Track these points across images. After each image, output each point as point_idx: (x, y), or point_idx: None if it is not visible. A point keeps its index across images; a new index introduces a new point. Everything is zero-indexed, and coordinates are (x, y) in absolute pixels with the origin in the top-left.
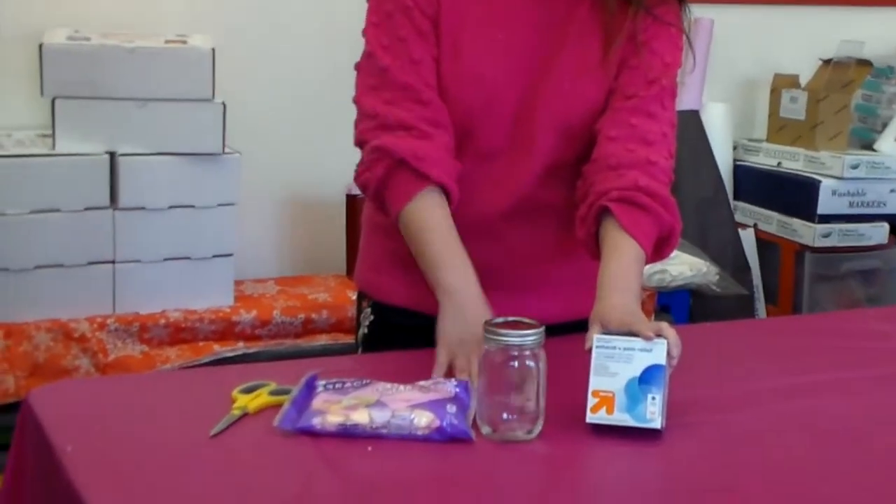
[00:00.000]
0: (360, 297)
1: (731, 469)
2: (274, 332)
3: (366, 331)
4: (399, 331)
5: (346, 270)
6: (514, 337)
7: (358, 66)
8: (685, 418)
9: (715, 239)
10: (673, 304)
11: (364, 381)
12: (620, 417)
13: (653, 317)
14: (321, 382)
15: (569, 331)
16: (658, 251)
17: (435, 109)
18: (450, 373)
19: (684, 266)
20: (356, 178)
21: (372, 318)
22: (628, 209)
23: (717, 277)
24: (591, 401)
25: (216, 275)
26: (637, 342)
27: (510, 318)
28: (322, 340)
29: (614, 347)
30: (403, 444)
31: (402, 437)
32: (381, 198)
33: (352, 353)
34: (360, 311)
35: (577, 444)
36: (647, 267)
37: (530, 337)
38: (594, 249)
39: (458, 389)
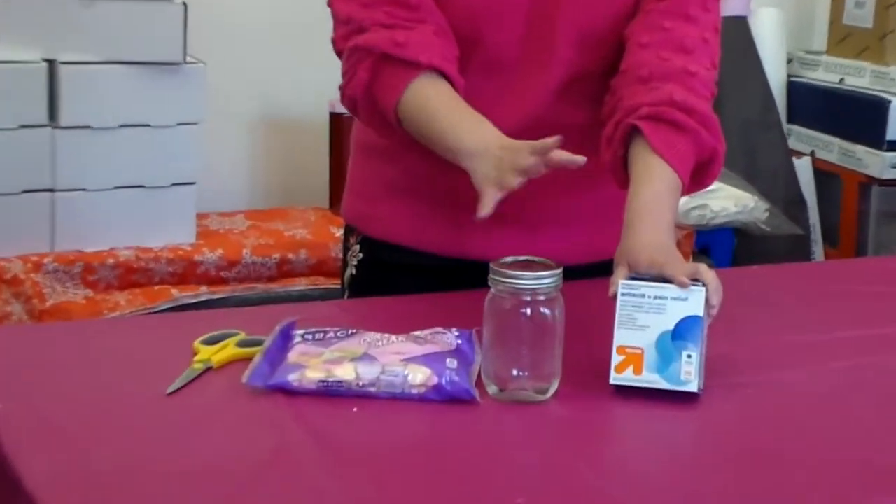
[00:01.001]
0: (348, 231)
1: (779, 438)
2: (243, 274)
3: (353, 272)
4: (393, 271)
5: (329, 202)
6: (527, 279)
7: None
8: (726, 378)
9: (764, 168)
10: (714, 246)
11: (349, 331)
12: (650, 378)
13: (690, 260)
14: (299, 332)
15: (591, 273)
16: (697, 179)
17: (425, 12)
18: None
19: (728, 200)
20: (342, 98)
21: (361, 256)
22: (662, 128)
23: (767, 214)
24: (616, 358)
25: (175, 206)
26: (670, 289)
27: (521, 258)
28: (300, 285)
29: (643, 295)
30: (395, 404)
31: (393, 396)
32: (375, 104)
33: (336, 300)
34: (346, 248)
35: (598, 408)
36: (684, 200)
37: (546, 280)
38: (622, 176)
39: (460, 341)
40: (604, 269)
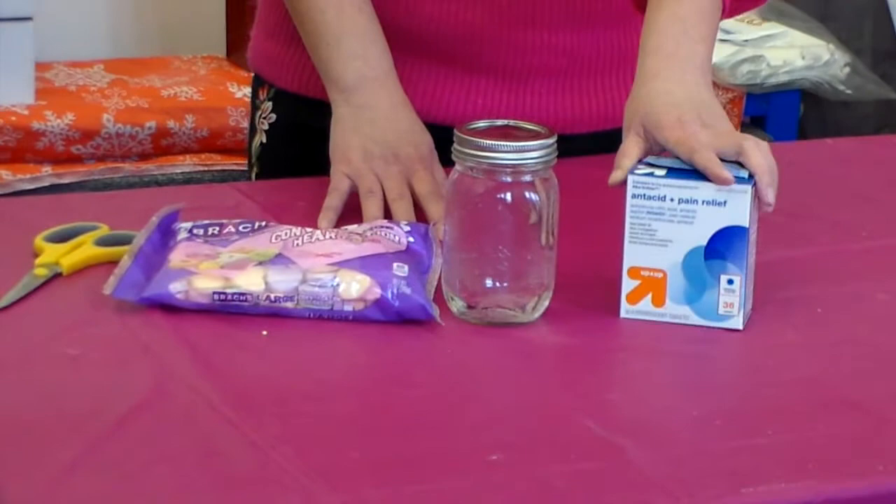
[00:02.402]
0: (257, 84)
1: (853, 374)
2: (104, 150)
3: (264, 139)
4: (319, 140)
5: (226, 48)
6: (507, 152)
7: None
8: (783, 292)
9: (846, 4)
10: (772, 115)
11: (256, 224)
12: (676, 312)
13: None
14: (184, 225)
15: (602, 146)
16: None
17: None
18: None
19: (792, 50)
20: None
21: (274, 117)
22: None
23: (848, 70)
24: (628, 284)
25: (5, 53)
26: (702, 188)
27: (499, 122)
28: (185, 165)
29: (663, 197)
30: (321, 326)
31: (318, 315)
32: None
33: (238, 182)
34: (255, 107)
35: (604, 333)
36: (729, 51)
37: (534, 152)
38: None
39: (412, 239)
40: (616, 140)
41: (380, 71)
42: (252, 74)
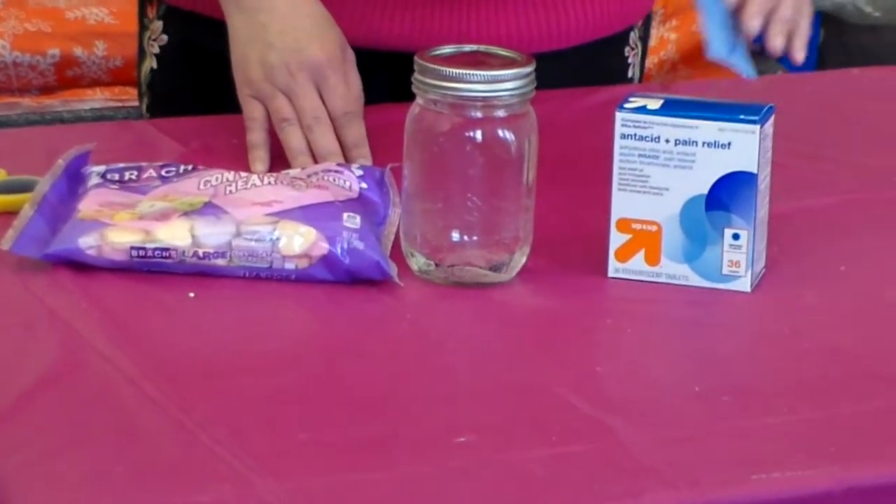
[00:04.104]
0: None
1: (878, 343)
2: (1, 82)
3: (154, 64)
4: (217, 64)
5: None
6: (477, 82)
7: None
8: (796, 248)
9: None
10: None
11: (182, 168)
12: (673, 271)
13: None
14: (95, 170)
15: (574, 66)
16: None
17: None
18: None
19: None
20: None
21: (165, 38)
22: None
23: None
24: (617, 238)
25: None
26: (702, 127)
27: (467, 48)
28: (96, 98)
29: (657, 138)
30: (258, 288)
31: (255, 274)
32: None
33: (159, 119)
34: (143, 27)
35: (590, 295)
36: None
37: (508, 83)
38: None
39: (365, 185)
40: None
41: None
42: None
